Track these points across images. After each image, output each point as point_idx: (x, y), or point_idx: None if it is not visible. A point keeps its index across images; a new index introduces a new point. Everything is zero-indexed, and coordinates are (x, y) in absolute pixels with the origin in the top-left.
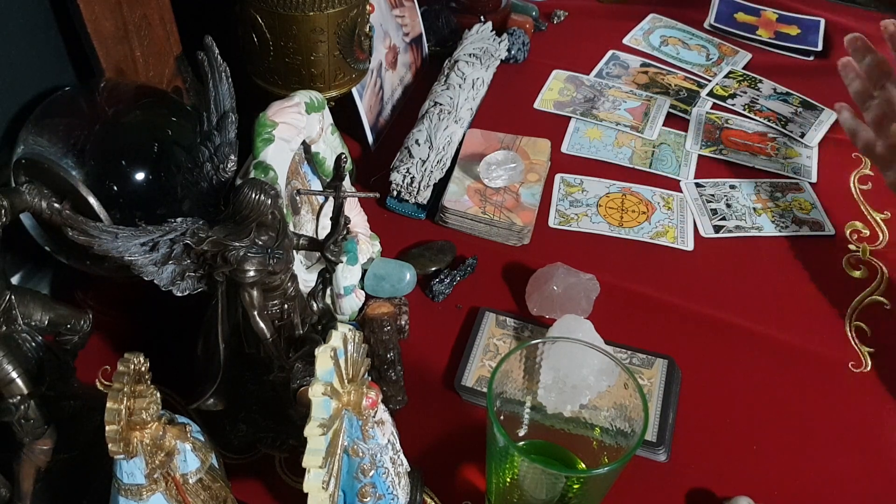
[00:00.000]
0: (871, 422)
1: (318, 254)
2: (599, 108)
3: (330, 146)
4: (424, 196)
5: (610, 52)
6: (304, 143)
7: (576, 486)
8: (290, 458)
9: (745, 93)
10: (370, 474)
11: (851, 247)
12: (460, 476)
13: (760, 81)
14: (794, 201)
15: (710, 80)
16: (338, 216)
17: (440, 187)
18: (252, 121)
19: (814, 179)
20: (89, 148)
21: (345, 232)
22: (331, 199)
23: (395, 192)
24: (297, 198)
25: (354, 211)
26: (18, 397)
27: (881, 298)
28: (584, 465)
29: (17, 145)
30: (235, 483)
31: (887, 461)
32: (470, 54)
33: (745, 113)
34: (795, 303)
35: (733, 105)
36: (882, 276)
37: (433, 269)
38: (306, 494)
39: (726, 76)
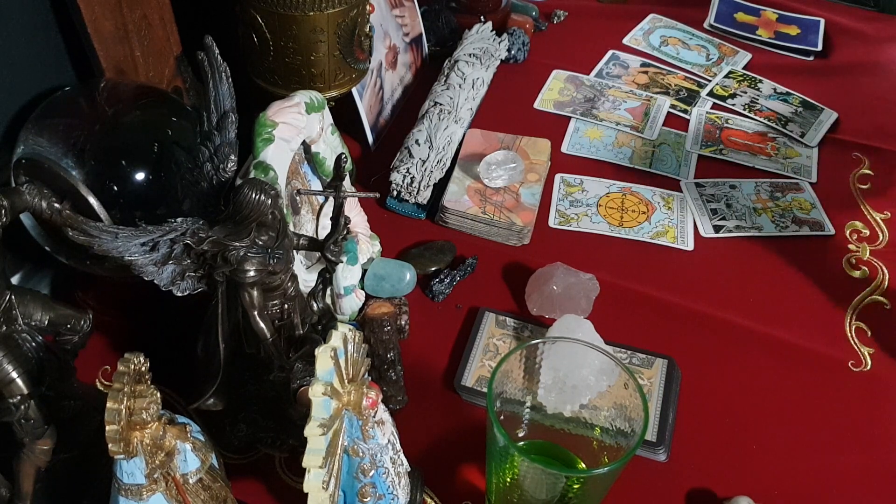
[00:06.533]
0: (870, 422)
1: (318, 254)
2: (599, 108)
3: (330, 146)
4: (424, 196)
5: (610, 52)
6: (304, 143)
7: (576, 486)
8: (290, 458)
9: (745, 93)
10: (370, 474)
11: (851, 247)
12: (460, 476)
13: (760, 81)
14: (794, 201)
15: (710, 80)
16: (338, 216)
17: (440, 187)
18: (252, 121)
19: (814, 179)
20: (89, 148)
21: (345, 232)
22: (331, 199)
23: (395, 192)
24: (297, 198)
25: (354, 211)
26: (18, 397)
27: (881, 298)
28: (584, 465)
29: (17, 145)
30: (235, 483)
31: (887, 461)
32: (470, 54)
33: (745, 113)
34: (795, 303)
35: (733, 105)
36: (882, 276)
37: (433, 269)
38: (306, 494)
39: (726, 76)
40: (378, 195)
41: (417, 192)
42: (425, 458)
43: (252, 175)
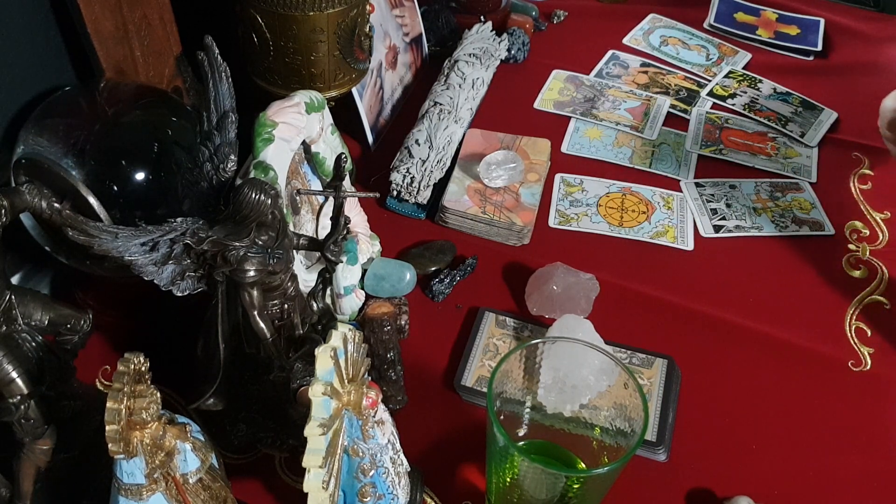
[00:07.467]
0: (870, 421)
1: (318, 254)
2: (599, 108)
3: (330, 146)
4: (424, 196)
5: (610, 52)
6: (304, 143)
7: (576, 486)
8: (290, 458)
9: (745, 93)
10: (370, 474)
11: (851, 247)
12: (460, 476)
13: (760, 81)
14: (794, 201)
15: (710, 80)
16: (338, 216)
17: (440, 187)
18: (252, 121)
19: (814, 179)
20: (89, 148)
21: (345, 232)
22: (331, 199)
23: (395, 192)
24: (297, 198)
25: (354, 211)
26: (18, 397)
27: (881, 298)
28: (584, 465)
29: (17, 145)
30: (235, 483)
31: (887, 461)
32: (470, 54)
33: (745, 113)
34: (795, 303)
35: (733, 105)
36: (882, 276)
37: (433, 269)
38: (306, 494)
39: (726, 76)
40: (378, 195)
41: (417, 192)
42: (425, 458)
43: (252, 175)
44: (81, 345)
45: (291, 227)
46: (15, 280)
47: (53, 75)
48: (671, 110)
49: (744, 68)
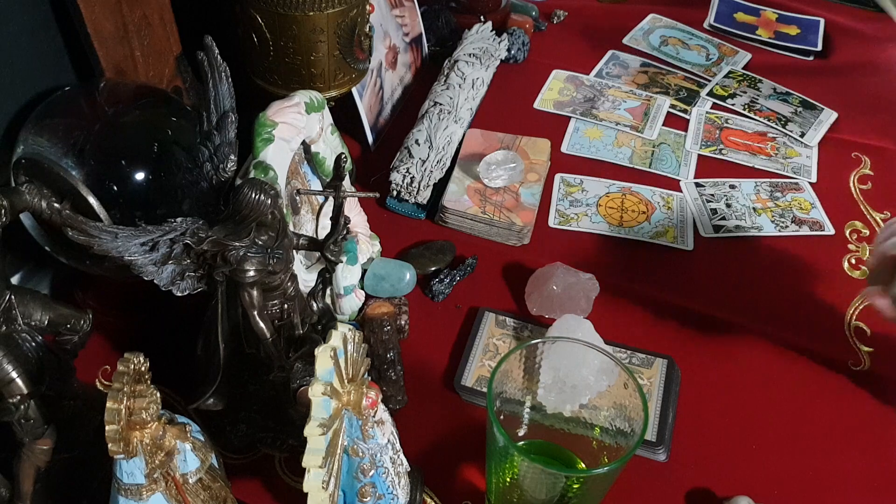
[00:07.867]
0: (870, 421)
1: (318, 254)
2: (599, 108)
3: (330, 146)
4: (424, 196)
5: (610, 52)
6: (304, 143)
7: (576, 486)
8: (290, 457)
9: (745, 93)
10: (370, 474)
11: (851, 247)
12: (460, 476)
13: (760, 81)
14: (794, 201)
15: (709, 80)
16: (338, 216)
17: (440, 187)
18: (252, 121)
19: (814, 179)
20: (89, 148)
21: (345, 232)
22: (331, 199)
23: (395, 192)
24: (297, 198)
25: (354, 211)
26: (18, 397)
27: None
28: (584, 465)
29: (17, 145)
30: (235, 483)
31: (887, 461)
32: (470, 54)
33: (745, 113)
34: (795, 303)
35: (733, 105)
36: None
37: (433, 269)
38: (306, 494)
39: (726, 76)
40: (378, 195)
41: (417, 192)
42: (425, 458)
43: (252, 175)
44: (81, 345)
45: (291, 227)
46: (15, 280)
47: (53, 75)
48: (671, 110)
49: (744, 68)
